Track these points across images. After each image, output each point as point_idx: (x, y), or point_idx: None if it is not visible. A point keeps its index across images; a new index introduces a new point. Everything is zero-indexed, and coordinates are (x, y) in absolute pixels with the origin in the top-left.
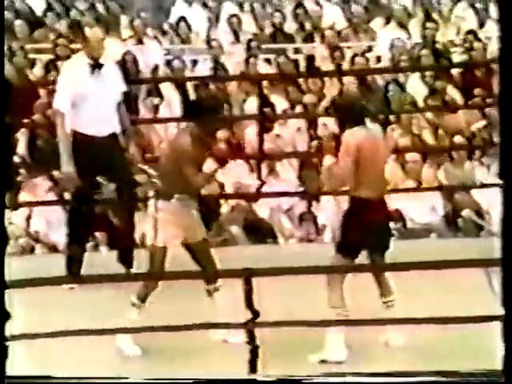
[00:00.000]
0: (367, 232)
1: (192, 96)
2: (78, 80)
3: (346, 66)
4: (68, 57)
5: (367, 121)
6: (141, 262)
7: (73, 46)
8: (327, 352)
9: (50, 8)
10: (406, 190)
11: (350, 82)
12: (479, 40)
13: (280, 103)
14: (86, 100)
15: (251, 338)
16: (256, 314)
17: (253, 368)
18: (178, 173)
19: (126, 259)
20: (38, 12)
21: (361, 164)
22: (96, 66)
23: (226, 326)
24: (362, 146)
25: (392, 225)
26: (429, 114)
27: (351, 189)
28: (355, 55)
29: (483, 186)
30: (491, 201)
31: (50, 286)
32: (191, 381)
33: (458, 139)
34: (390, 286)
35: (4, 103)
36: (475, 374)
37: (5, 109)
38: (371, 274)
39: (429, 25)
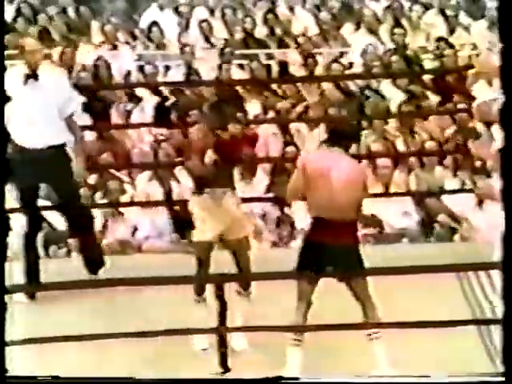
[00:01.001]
0: (323, 253)
1: (165, 101)
2: (12, 89)
3: (319, 71)
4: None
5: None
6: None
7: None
8: (285, 368)
9: (19, 13)
10: (378, 195)
11: (327, 88)
12: (451, 46)
13: (253, 108)
14: (20, 110)
15: (222, 343)
16: (224, 319)
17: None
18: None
19: (92, 268)
20: (8, 18)
21: (313, 185)
22: (31, 76)
23: (198, 331)
24: (314, 168)
25: (361, 246)
26: (401, 120)
27: (309, 208)
28: (334, 61)
29: (455, 191)
30: (463, 206)
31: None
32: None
33: (429, 145)
34: (374, 313)
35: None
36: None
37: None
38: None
39: (397, 31)
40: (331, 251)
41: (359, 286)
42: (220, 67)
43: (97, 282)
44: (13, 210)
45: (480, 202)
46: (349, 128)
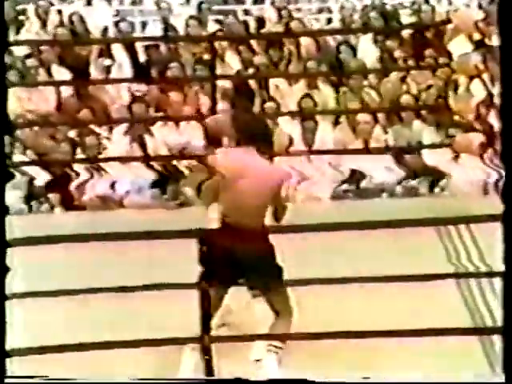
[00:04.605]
0: (233, 263)
1: (142, 57)
2: None
3: (297, 27)
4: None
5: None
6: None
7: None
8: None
9: None
10: (357, 152)
11: (305, 43)
12: (427, 2)
13: (233, 64)
14: None
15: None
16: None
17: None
18: None
19: None
20: None
21: (224, 187)
22: None
23: (179, 286)
24: (229, 170)
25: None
26: (379, 75)
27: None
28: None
29: (434, 146)
30: (441, 160)
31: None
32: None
33: (406, 99)
34: (287, 322)
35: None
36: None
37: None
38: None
39: None
40: (242, 261)
41: (277, 299)
42: (199, 23)
43: (82, 237)
44: None
45: (457, 156)
46: (256, 127)
